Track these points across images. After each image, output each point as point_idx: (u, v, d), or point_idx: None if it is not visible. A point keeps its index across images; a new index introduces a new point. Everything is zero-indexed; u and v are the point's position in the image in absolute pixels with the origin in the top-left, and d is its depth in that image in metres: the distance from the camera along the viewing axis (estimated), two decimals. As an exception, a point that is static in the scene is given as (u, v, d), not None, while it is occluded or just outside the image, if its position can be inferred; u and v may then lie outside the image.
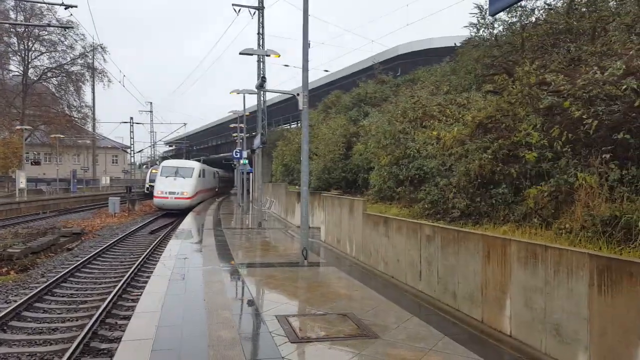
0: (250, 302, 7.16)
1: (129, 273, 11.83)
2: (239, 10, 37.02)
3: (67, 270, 12.18)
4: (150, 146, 64.83)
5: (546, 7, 10.39)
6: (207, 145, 61.30)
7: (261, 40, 34.37)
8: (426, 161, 9.90)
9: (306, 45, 9.26)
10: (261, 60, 38.10)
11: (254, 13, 37.56)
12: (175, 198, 30.25)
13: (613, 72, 5.39)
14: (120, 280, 11.25)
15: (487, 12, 14.16)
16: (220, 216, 23.19)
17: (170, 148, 79.24)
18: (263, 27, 39.48)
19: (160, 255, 11.82)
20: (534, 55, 8.34)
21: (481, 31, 13.96)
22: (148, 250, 15.49)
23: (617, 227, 5.38)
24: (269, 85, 29.18)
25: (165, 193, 30.28)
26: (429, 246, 7.12)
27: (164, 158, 64.50)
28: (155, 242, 17.63)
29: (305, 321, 6.17)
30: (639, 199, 5.24)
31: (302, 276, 9.02)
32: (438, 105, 10.47)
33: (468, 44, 14.28)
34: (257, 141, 18.48)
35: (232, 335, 5.39)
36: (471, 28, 14.11)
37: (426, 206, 9.28)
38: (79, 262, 13.26)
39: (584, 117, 5.59)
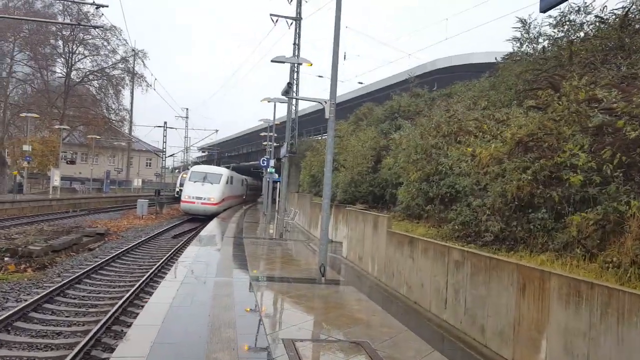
0: (258, 321, 6.66)
1: (144, 277, 11.58)
2: (277, 21, 37.37)
3: (83, 271, 12.05)
4: (181, 151, 65.88)
5: (596, 21, 9.59)
6: (238, 152, 61.80)
7: (297, 51, 34.34)
8: (459, 179, 9.23)
9: (336, 53, 8.83)
10: (295, 70, 38.15)
11: (291, 24, 37.80)
12: (202, 203, 30.25)
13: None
14: (135, 284, 10.99)
15: (539, 9, 13.49)
16: (244, 224, 22.93)
17: (203, 154, 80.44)
18: (299, 37, 39.52)
19: (177, 260, 11.53)
20: (583, 71, 7.62)
21: (524, 46, 13.24)
22: (168, 255, 15.30)
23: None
24: (301, 94, 29.03)
25: (193, 198, 30.35)
26: (457, 272, 6.46)
27: (195, 163, 65.42)
28: (177, 246, 17.46)
29: (314, 348, 5.62)
30: None
31: (318, 294, 8.47)
32: (475, 120, 9.79)
33: (509, 59, 13.55)
34: (283, 150, 18.16)
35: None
36: (514, 42, 13.40)
37: (456, 227, 8.61)
38: (97, 264, 13.14)
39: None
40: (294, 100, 38.37)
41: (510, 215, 7.26)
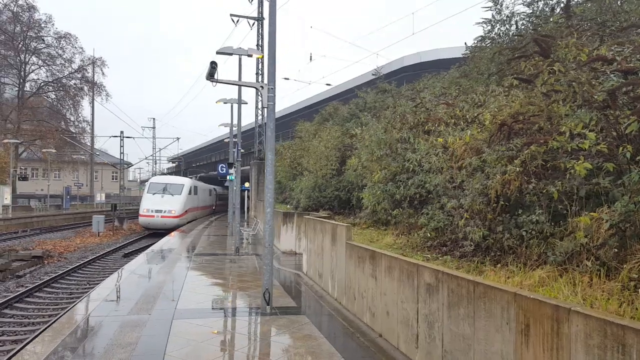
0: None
1: (61, 314, 9.59)
2: (237, 21, 35.69)
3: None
4: (142, 161, 63.04)
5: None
6: (207, 161, 59.58)
7: (261, 51, 32.59)
8: (429, 176, 7.67)
9: (274, 25, 7.17)
10: (259, 73, 36.47)
11: (253, 24, 36.17)
12: (162, 217, 28.13)
13: None
14: (48, 322, 9.00)
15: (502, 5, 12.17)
16: (202, 238, 20.91)
17: (173, 164, 77.74)
18: (262, 38, 37.99)
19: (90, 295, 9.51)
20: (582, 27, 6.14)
21: (496, 28, 11.88)
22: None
23: None
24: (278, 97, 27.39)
25: (151, 211, 28.22)
26: (431, 300, 4.80)
27: (163, 174, 62.69)
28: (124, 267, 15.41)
29: None
30: None
31: (256, 333, 6.62)
32: (445, 104, 8.27)
33: (481, 42, 12.19)
34: (235, 154, 16.38)
35: None
36: (484, 25, 12.05)
37: (428, 235, 7.03)
38: (9, 297, 11.04)
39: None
40: (260, 104, 36.67)
41: (494, 219, 5.71)
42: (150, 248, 17.00)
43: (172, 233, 23.87)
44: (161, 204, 28.44)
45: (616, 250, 4.28)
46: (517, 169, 5.36)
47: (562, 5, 8.14)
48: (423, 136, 8.68)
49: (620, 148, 4.25)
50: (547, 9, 8.82)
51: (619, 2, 6.25)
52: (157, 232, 27.81)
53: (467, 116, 7.90)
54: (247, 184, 30.23)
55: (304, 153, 18.09)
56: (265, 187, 7.35)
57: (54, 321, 7.22)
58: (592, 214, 4.43)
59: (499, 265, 5.35)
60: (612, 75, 4.39)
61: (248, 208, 31.62)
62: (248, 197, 31.35)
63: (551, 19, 7.71)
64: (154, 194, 29.33)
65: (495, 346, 3.78)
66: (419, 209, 8.04)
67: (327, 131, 16.52)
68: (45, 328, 7.75)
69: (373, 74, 23.16)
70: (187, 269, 11.93)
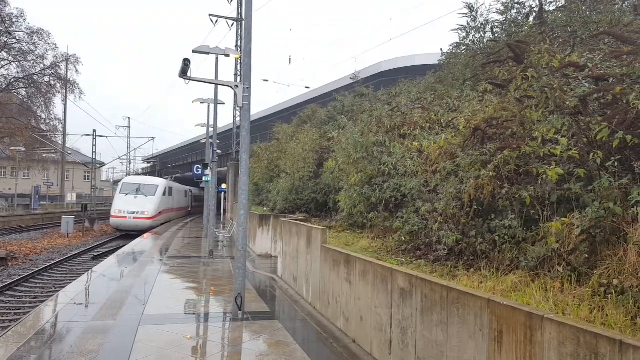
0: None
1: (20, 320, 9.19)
2: (216, 21, 35.29)
3: None
4: (113, 160, 61.61)
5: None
6: (183, 162, 58.68)
7: (240, 53, 32.18)
8: (404, 180, 7.66)
9: (250, 23, 7.03)
10: (238, 74, 36.12)
11: (232, 25, 35.82)
12: (135, 218, 27.43)
13: None
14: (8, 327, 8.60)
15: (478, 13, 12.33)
16: (175, 240, 20.49)
17: (147, 165, 76.21)
18: (241, 40, 37.64)
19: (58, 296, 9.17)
20: (554, 35, 6.22)
21: (471, 35, 12.03)
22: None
23: None
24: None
25: (124, 212, 27.49)
26: (404, 305, 4.74)
27: (137, 175, 61.39)
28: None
29: None
30: None
31: (227, 340, 6.42)
32: (421, 109, 8.29)
33: (456, 48, 12.32)
34: (210, 155, 16.12)
35: None
36: (460, 32, 12.19)
37: (403, 238, 7.00)
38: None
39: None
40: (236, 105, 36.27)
41: (467, 223, 5.71)
42: (121, 250, 16.54)
43: (145, 235, 23.34)
44: (134, 204, 27.76)
45: (587, 255, 4.30)
46: (491, 173, 5.37)
47: (535, 13, 8.28)
48: (399, 140, 8.69)
49: (591, 154, 4.28)
50: (520, 17, 8.95)
51: (587, 13, 6.38)
52: (130, 234, 27.16)
53: (442, 121, 7.93)
54: (224, 185, 29.83)
55: (281, 155, 17.96)
56: (239, 188, 7.20)
57: (11, 328, 6.87)
58: (563, 219, 4.45)
59: (472, 269, 5.34)
60: (583, 81, 4.42)
61: (225, 210, 31.20)
62: (225, 198, 30.95)
63: (525, 26, 7.81)
64: (126, 194, 28.62)
65: (468, 353, 3.73)
66: (394, 212, 8.02)
67: (305, 133, 16.45)
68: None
69: (351, 78, 23.24)
70: (158, 272, 11.62)
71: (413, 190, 7.24)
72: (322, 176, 13.68)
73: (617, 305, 3.53)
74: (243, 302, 7.18)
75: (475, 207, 5.60)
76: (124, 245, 18.82)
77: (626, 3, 5.99)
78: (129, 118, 65.78)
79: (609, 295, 3.71)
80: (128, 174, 65.16)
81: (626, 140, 3.71)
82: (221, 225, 27.59)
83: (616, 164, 4.03)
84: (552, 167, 4.60)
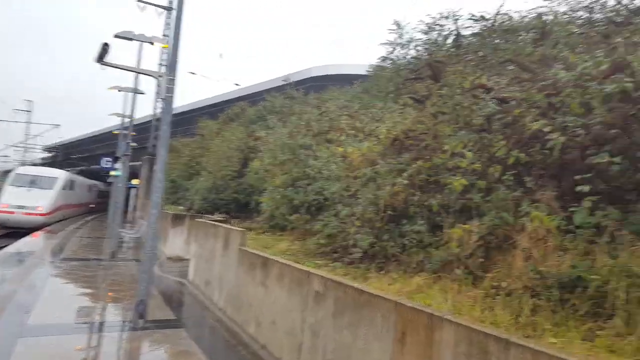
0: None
1: None
2: (144, 8, 33.72)
3: None
4: (6, 147, 56.03)
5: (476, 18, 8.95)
6: (90, 154, 54.80)
7: (171, 43, 30.98)
8: (328, 184, 7.89)
9: (180, 11, 6.88)
10: (164, 64, 34.73)
11: (161, 13, 34.42)
12: (25, 214, 24.36)
13: (591, 67, 3.72)
14: None
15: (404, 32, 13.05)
16: (73, 240, 18.84)
17: (49, 154, 69.92)
18: (170, 29, 36.25)
19: None
20: (467, 57, 6.78)
21: (397, 50, 12.69)
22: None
23: (585, 295, 3.67)
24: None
25: (13, 206, 24.27)
26: (318, 308, 4.89)
27: (34, 165, 56.22)
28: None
29: None
30: (620, 254, 3.53)
31: (124, 352, 6.04)
32: (347, 116, 8.61)
33: (383, 62, 12.91)
34: (123, 147, 15.40)
35: None
36: (388, 46, 12.81)
37: (322, 241, 7.20)
38: None
39: (546, 130, 3.85)
40: (160, 96, 34.88)
41: (381, 227, 6.03)
42: (4, 250, 14.67)
43: (36, 233, 20.96)
44: (26, 198, 24.73)
45: (482, 260, 4.75)
46: (405, 181, 5.74)
47: (453, 36, 8.97)
48: (325, 144, 8.93)
49: (491, 168, 4.75)
50: (440, 39, 9.65)
51: (497, 41, 7.07)
52: (19, 232, 24.36)
53: (366, 129, 8.28)
54: (135, 181, 28.25)
55: (204, 152, 17.59)
56: (153, 185, 6.97)
57: None
58: (464, 226, 4.88)
59: (383, 271, 5.66)
60: (490, 102, 4.90)
61: (135, 207, 29.56)
62: (136, 195, 29.36)
63: (444, 48, 8.43)
64: (18, 186, 25.56)
65: (373, 355, 3.95)
66: (316, 215, 8.22)
67: (232, 131, 16.26)
68: None
69: (283, 80, 23.35)
70: (49, 275, 10.63)
71: (335, 194, 7.48)
72: (246, 176, 13.60)
73: (505, 305, 3.95)
74: (146, 309, 6.88)
75: (390, 212, 5.94)
76: (7, 245, 16.93)
77: (529, 35, 6.72)
78: (30, 101, 59.76)
79: (498, 297, 4.14)
80: (23, 164, 59.47)
81: (519, 158, 4.18)
82: (128, 225, 26.08)
83: (511, 178, 4.51)
84: (457, 178, 5.03)
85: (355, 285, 4.45)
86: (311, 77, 28.02)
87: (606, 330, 3.30)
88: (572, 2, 6.36)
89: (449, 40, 9.72)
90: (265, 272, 6.38)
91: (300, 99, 18.38)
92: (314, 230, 7.68)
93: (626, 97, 3.58)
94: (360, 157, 7.18)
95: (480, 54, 6.49)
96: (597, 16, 5.83)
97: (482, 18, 7.82)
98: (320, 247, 7.20)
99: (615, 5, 5.76)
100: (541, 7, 6.83)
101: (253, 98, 28.94)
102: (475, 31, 7.86)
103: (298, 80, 26.11)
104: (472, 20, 8.02)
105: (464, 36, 8.06)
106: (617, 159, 3.38)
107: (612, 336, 3.23)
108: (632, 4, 5.56)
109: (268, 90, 26.17)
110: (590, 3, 5.99)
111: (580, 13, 6.16)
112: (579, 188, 3.55)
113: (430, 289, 4.76)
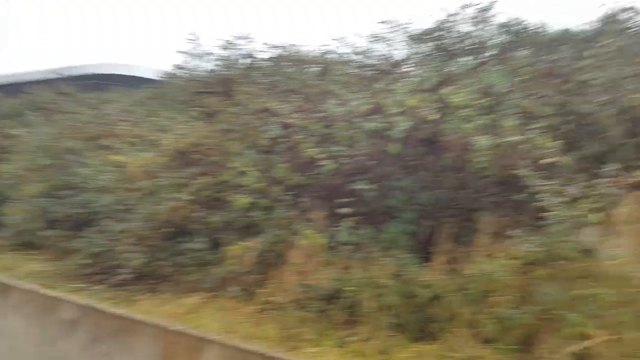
0: None
1: None
2: None
3: None
4: None
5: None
6: None
7: None
8: (97, 196, 6.99)
9: None
10: None
11: None
12: None
13: (357, 106, 4.24)
14: None
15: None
16: None
17: None
18: None
19: None
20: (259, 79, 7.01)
21: (193, 61, 12.45)
22: None
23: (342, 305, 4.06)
24: None
25: None
26: (68, 339, 4.13)
27: None
28: None
29: None
30: (371, 268, 4.03)
31: None
32: (128, 122, 7.90)
33: (177, 70, 12.47)
34: None
35: None
36: (185, 55, 12.46)
37: (85, 261, 6.29)
38: None
39: (319, 157, 4.21)
40: None
41: (158, 245, 5.62)
42: None
43: None
44: None
45: (260, 276, 4.85)
46: (189, 197, 5.49)
47: (249, 58, 9.26)
48: (99, 151, 7.97)
49: (274, 188, 4.94)
50: (236, 57, 9.84)
51: (288, 69, 7.59)
52: None
53: (151, 138, 7.73)
54: None
55: None
56: None
57: None
58: (243, 243, 4.93)
59: (156, 292, 5.22)
60: (275, 126, 5.13)
61: None
62: None
63: (238, 66, 8.58)
64: None
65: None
66: (80, 231, 7.17)
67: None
68: None
69: (57, 73, 20.33)
70: None
71: (106, 207, 6.67)
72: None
73: (275, 320, 4.08)
74: None
75: (169, 229, 5.58)
76: None
77: (314, 69, 7.40)
78: None
79: (271, 312, 4.25)
80: None
81: (298, 180, 4.47)
82: None
83: (290, 198, 4.77)
84: (241, 196, 5.06)
85: (112, 311, 3.97)
86: (94, 74, 25.13)
87: (356, 336, 3.73)
88: (353, 46, 7.31)
89: (245, 61, 9.99)
90: (2, 300, 5.16)
91: (75, 97, 16.21)
92: (76, 249, 6.68)
93: (380, 135, 4.24)
94: (141, 168, 6.61)
95: (271, 79, 6.83)
96: (370, 61, 6.79)
97: (275, 46, 8.27)
98: (83, 267, 6.29)
99: (381, 55, 6.80)
100: (327, 45, 7.65)
101: (14, 89, 24.25)
102: (271, 56, 8.29)
103: (77, 76, 23.03)
104: (266, 45, 8.40)
105: (258, 59, 8.39)
106: (372, 186, 3.98)
107: (360, 341, 3.66)
108: (392, 57, 6.70)
109: (33, 83, 22.35)
110: (365, 50, 6.96)
111: (358, 56, 7.10)
112: (342, 210, 4.02)
113: (205, 308, 4.62)
